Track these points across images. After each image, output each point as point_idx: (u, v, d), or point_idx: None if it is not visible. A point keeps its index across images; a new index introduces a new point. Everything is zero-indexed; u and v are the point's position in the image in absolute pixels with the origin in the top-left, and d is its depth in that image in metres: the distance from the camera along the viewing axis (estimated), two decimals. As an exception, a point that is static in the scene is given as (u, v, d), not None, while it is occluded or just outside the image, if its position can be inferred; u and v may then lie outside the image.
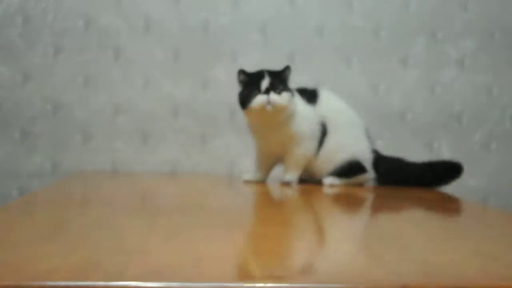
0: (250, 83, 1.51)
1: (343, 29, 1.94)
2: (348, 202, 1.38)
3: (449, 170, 1.63)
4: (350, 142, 1.58)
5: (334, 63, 1.94)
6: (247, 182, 1.61)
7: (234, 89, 1.90)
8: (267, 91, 1.48)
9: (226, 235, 0.90)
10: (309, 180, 1.62)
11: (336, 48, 1.94)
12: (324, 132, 1.57)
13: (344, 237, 0.96)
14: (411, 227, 1.05)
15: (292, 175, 1.56)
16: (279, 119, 1.50)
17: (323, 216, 1.20)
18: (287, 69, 1.53)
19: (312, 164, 1.58)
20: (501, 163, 1.99)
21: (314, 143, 1.56)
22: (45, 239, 0.82)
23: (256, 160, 1.63)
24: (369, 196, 1.49)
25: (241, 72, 1.53)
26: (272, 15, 1.93)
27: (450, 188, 1.90)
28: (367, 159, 1.61)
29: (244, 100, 1.50)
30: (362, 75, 1.95)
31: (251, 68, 1.56)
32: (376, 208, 1.37)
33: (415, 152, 1.91)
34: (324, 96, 1.61)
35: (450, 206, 1.41)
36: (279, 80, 1.50)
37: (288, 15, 1.93)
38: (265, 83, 1.48)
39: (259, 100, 1.47)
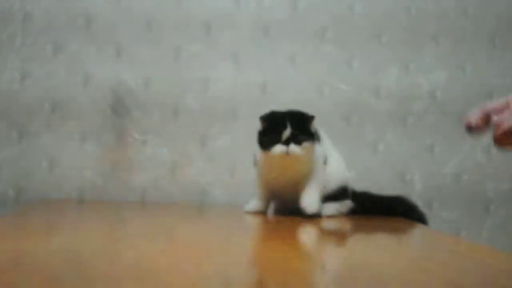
0: (271, 129, 1.49)
1: (316, 57, 1.94)
2: (323, 231, 1.36)
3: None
4: (341, 169, 1.63)
5: (306, 92, 1.93)
6: (248, 213, 1.58)
7: (206, 117, 1.89)
8: (287, 142, 1.47)
9: (194, 264, 0.87)
10: (291, 209, 1.56)
11: (308, 77, 1.94)
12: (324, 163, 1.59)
13: (313, 265, 0.93)
14: (384, 259, 1.03)
15: (314, 208, 1.51)
16: (298, 167, 1.50)
17: (293, 245, 1.17)
18: (311, 119, 1.52)
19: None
20: (472, 195, 1.99)
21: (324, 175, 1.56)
22: (2, 268, 0.78)
23: (259, 190, 1.59)
24: (343, 226, 1.47)
25: (262, 118, 1.52)
26: (244, 44, 1.92)
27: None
28: (350, 187, 1.65)
29: (264, 144, 1.50)
30: (334, 104, 1.95)
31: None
32: (349, 237, 1.35)
33: (387, 183, 1.90)
34: (322, 133, 1.63)
35: (424, 237, 1.40)
36: (301, 129, 1.49)
37: (261, 44, 1.92)
38: (286, 134, 1.47)
39: (278, 149, 1.47)
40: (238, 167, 1.89)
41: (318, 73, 1.95)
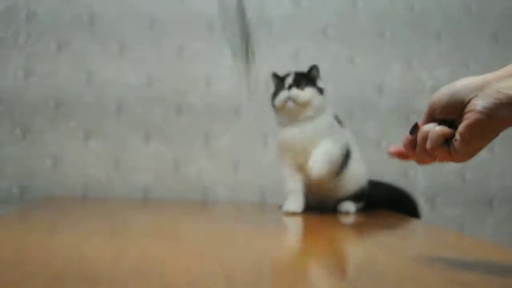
0: (278, 84, 1.53)
1: (319, 54, 1.94)
2: (326, 229, 1.36)
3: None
4: (364, 169, 1.63)
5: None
6: (288, 214, 1.49)
7: (209, 115, 1.90)
8: (289, 87, 1.49)
9: (198, 261, 0.87)
10: (314, 206, 1.56)
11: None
12: (347, 156, 1.55)
13: (320, 265, 0.93)
14: (385, 254, 1.03)
15: (320, 168, 1.43)
16: (304, 114, 1.49)
17: (296, 242, 1.17)
18: (313, 68, 1.54)
19: (331, 186, 1.54)
20: (475, 192, 1.99)
21: (340, 153, 1.51)
22: (8, 265, 0.79)
23: (289, 183, 1.53)
24: (344, 223, 1.47)
25: (273, 75, 1.57)
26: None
27: (426, 218, 1.90)
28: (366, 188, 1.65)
29: (272, 99, 1.53)
30: (337, 101, 1.94)
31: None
32: (352, 235, 1.35)
33: (390, 180, 1.90)
34: (347, 129, 1.63)
35: (425, 233, 1.40)
36: (305, 78, 1.51)
37: (264, 41, 1.92)
38: (288, 80, 1.50)
39: (281, 96, 1.48)
40: (241, 165, 1.90)
41: (321, 69, 1.94)
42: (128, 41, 1.88)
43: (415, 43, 1.99)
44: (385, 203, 1.71)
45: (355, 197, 1.59)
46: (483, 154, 1.98)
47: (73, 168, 1.85)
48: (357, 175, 1.59)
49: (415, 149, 0.88)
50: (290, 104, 1.47)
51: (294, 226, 1.39)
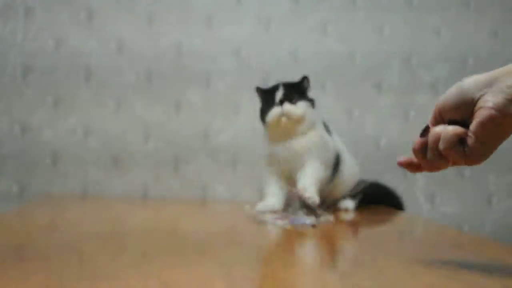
0: (267, 98, 1.47)
1: (317, 51, 1.94)
2: (324, 228, 1.35)
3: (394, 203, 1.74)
4: (356, 167, 1.63)
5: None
6: (262, 212, 1.39)
7: (208, 112, 1.89)
8: (281, 103, 1.43)
9: (196, 260, 0.87)
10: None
11: (310, 70, 1.93)
12: (338, 162, 1.53)
13: (321, 264, 0.93)
14: (385, 251, 1.03)
15: (311, 192, 1.37)
16: (298, 129, 1.43)
17: (297, 240, 1.17)
18: (304, 79, 1.48)
19: (325, 192, 1.49)
20: (474, 190, 1.98)
21: (330, 167, 1.49)
22: (7, 263, 0.78)
23: (269, 186, 1.48)
24: (340, 221, 1.47)
25: (257, 89, 1.51)
26: (246, 38, 1.91)
27: (426, 214, 1.90)
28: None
29: (262, 115, 1.47)
30: (337, 99, 1.94)
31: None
32: (347, 232, 1.35)
33: (389, 178, 1.90)
34: (332, 130, 1.60)
35: (425, 231, 1.40)
36: (295, 90, 1.45)
37: (262, 39, 1.92)
38: (279, 94, 1.44)
39: (273, 112, 1.42)
40: (240, 162, 1.89)
41: (320, 66, 1.94)
42: (126, 38, 1.88)
43: (414, 40, 1.99)
44: (371, 200, 1.71)
45: (351, 194, 1.61)
46: (483, 151, 1.98)
47: (72, 166, 1.84)
48: (349, 176, 1.59)
49: (425, 154, 0.84)
50: (284, 120, 1.42)
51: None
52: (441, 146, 0.80)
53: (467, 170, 1.98)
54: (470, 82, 0.79)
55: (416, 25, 1.99)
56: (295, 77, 1.92)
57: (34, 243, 0.97)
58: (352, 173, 1.60)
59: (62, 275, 0.73)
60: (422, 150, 0.84)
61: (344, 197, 1.61)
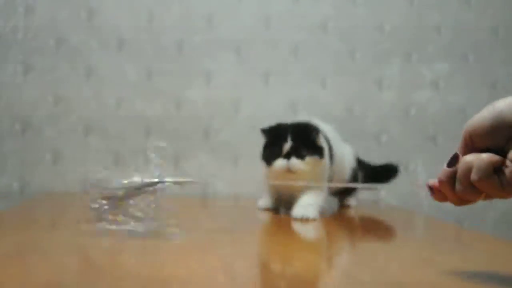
0: (272, 141, 1.40)
1: (318, 49, 1.94)
2: (324, 223, 1.36)
3: (388, 172, 1.71)
4: (351, 155, 1.61)
5: (309, 83, 1.93)
6: (262, 210, 1.47)
7: (209, 109, 1.89)
8: (288, 155, 1.36)
9: (198, 256, 0.87)
10: None
11: (311, 68, 1.94)
12: (330, 154, 1.47)
13: (320, 259, 0.93)
14: (385, 247, 1.03)
15: (314, 209, 1.35)
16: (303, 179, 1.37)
17: (297, 237, 1.17)
18: (313, 131, 1.39)
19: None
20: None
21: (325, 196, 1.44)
22: (7, 261, 0.79)
23: (267, 189, 1.49)
24: (342, 218, 1.47)
25: (263, 131, 1.43)
26: (246, 35, 1.91)
27: (427, 210, 1.90)
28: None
29: (266, 156, 1.41)
30: (337, 96, 1.94)
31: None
32: (350, 229, 1.35)
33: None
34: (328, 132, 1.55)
35: (426, 226, 1.40)
36: (304, 142, 1.37)
37: (263, 36, 1.92)
38: (286, 147, 1.36)
39: (279, 164, 1.36)
40: (241, 159, 1.90)
41: (320, 64, 1.94)
42: (126, 35, 1.88)
43: (414, 37, 1.98)
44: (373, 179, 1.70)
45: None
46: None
47: (73, 164, 1.84)
48: (344, 165, 1.55)
49: (453, 186, 0.75)
50: (288, 174, 1.36)
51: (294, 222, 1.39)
52: (474, 177, 0.71)
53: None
54: (506, 104, 0.70)
55: (416, 22, 1.98)
56: (295, 76, 1.93)
57: (34, 240, 0.97)
58: (347, 161, 1.58)
59: (63, 273, 0.73)
60: (450, 181, 0.75)
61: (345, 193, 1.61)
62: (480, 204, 1.91)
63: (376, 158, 1.90)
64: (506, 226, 1.99)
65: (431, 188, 0.79)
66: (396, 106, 1.97)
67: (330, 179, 1.49)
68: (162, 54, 1.89)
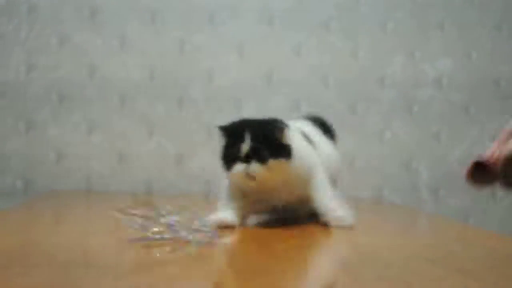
0: (230, 141, 1.17)
1: (321, 47, 1.94)
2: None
3: None
4: (337, 156, 1.40)
5: (312, 81, 1.93)
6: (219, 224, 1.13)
7: (211, 108, 1.89)
8: (247, 159, 1.13)
9: (197, 256, 0.87)
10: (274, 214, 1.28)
11: (313, 66, 1.93)
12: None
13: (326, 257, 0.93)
14: (389, 245, 1.03)
15: (341, 210, 1.18)
16: (267, 186, 1.15)
17: (298, 237, 1.17)
18: (277, 126, 1.16)
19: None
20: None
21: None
22: (12, 259, 0.79)
23: (229, 199, 1.21)
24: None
25: (221, 128, 1.20)
26: (249, 35, 1.91)
27: (431, 208, 1.89)
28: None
29: (225, 162, 1.17)
30: (340, 94, 1.94)
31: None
32: (355, 227, 1.35)
33: (393, 172, 1.91)
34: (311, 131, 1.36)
35: (430, 224, 1.40)
36: (266, 141, 1.14)
37: (266, 34, 1.92)
38: (244, 148, 1.13)
39: (238, 169, 1.13)
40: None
41: (323, 62, 1.94)
42: (129, 35, 1.88)
43: (417, 34, 1.98)
44: None
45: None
46: (487, 144, 1.96)
47: (76, 162, 1.85)
48: (329, 166, 1.32)
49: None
50: (249, 183, 1.13)
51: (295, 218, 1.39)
52: None
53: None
54: None
55: (419, 20, 1.98)
56: (298, 74, 1.93)
57: (38, 238, 0.98)
58: (332, 161, 1.35)
59: (67, 271, 0.73)
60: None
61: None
62: (484, 201, 1.90)
63: (379, 156, 1.90)
64: (510, 222, 1.98)
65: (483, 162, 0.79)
66: (399, 104, 1.97)
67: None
68: (164, 53, 1.88)
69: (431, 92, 1.97)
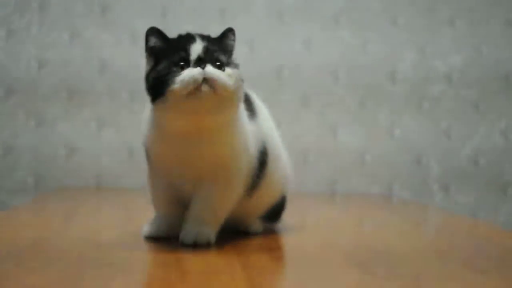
0: (169, 53, 0.96)
1: (331, 42, 1.93)
2: (332, 211, 1.36)
3: None
4: (286, 173, 1.10)
5: (322, 76, 1.92)
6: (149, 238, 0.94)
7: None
8: (200, 62, 0.91)
9: (215, 251, 0.88)
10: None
11: (323, 61, 1.93)
12: (263, 162, 1.01)
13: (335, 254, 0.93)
14: (401, 241, 1.03)
15: (209, 229, 0.91)
16: (219, 112, 0.92)
17: (302, 228, 1.17)
18: (230, 34, 1.01)
19: (238, 210, 0.99)
20: (489, 179, 1.97)
21: (248, 178, 0.98)
22: (24, 255, 0.79)
23: (159, 201, 1.02)
24: (353, 206, 1.46)
25: (152, 32, 1.02)
26: (259, 29, 1.91)
27: (440, 204, 1.89)
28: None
29: (160, 81, 0.93)
30: (350, 90, 1.93)
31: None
32: (362, 218, 1.35)
33: (403, 168, 1.90)
34: (259, 106, 1.13)
35: (440, 220, 1.39)
36: (220, 48, 0.97)
37: (276, 29, 1.91)
38: (196, 49, 0.94)
39: (190, 75, 0.89)
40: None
41: (333, 57, 1.94)
42: (140, 30, 1.88)
43: (428, 30, 1.97)
44: None
45: (269, 215, 1.08)
46: (497, 140, 1.96)
47: (86, 158, 1.85)
48: (276, 186, 1.06)
49: None
50: (205, 90, 0.89)
51: (297, 218, 1.39)
52: None
53: (481, 159, 1.96)
54: None
55: (430, 15, 1.97)
56: (308, 69, 1.92)
57: (51, 234, 0.98)
58: (277, 183, 1.06)
59: (79, 266, 0.74)
60: None
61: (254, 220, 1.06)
62: (494, 196, 1.89)
63: (389, 152, 1.89)
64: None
65: None
66: (410, 99, 1.96)
67: (251, 203, 1.01)
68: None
69: (441, 88, 1.96)
